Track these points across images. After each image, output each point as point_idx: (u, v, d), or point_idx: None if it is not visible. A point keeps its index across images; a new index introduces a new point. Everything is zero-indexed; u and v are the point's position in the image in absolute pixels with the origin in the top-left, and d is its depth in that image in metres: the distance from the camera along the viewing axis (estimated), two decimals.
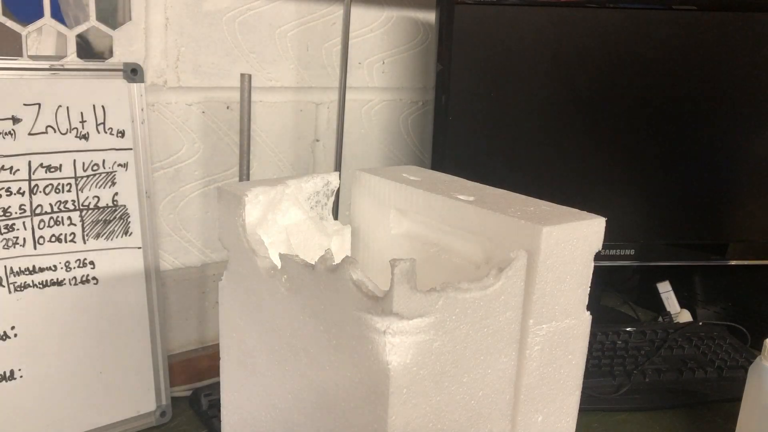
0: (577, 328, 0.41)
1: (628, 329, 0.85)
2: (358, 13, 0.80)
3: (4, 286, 0.60)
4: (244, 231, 0.40)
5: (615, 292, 1.02)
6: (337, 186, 0.48)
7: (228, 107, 0.73)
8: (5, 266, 0.60)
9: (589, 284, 0.41)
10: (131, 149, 0.66)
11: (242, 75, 0.68)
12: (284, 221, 0.44)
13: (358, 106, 0.84)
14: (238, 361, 0.45)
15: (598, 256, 0.42)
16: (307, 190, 0.46)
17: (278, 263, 0.40)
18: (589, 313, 0.42)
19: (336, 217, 0.56)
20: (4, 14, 0.58)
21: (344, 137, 0.81)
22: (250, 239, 0.40)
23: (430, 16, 0.83)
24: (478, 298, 0.35)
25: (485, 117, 0.78)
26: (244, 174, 0.69)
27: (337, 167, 0.75)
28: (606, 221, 0.41)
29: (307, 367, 0.38)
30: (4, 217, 0.59)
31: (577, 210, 0.41)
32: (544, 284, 0.38)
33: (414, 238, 0.46)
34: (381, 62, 0.84)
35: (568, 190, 0.81)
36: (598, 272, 0.42)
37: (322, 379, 0.37)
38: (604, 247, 0.42)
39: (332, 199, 0.48)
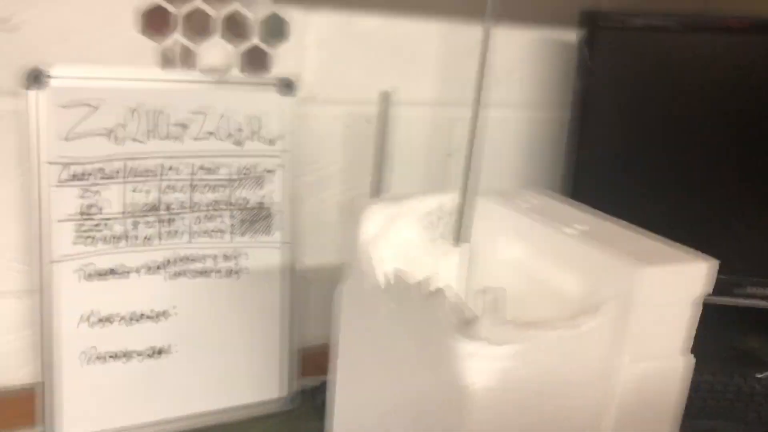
0: (676, 370, 0.41)
1: None
2: (500, 32, 0.82)
3: (164, 272, 0.68)
4: (359, 246, 0.44)
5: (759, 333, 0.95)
6: (452, 207, 0.51)
7: (368, 121, 0.78)
8: (166, 254, 0.68)
9: (695, 326, 0.41)
10: (280, 156, 0.72)
11: (382, 93, 0.72)
12: (400, 238, 0.47)
13: (494, 123, 0.86)
14: (348, 362, 0.49)
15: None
16: (423, 210, 0.49)
17: (388, 278, 0.43)
18: (692, 355, 0.42)
19: (459, 236, 0.58)
20: (184, 34, 0.67)
21: (479, 153, 0.83)
22: (364, 254, 0.44)
23: (573, 37, 0.83)
24: (566, 335, 0.36)
25: (622, 140, 0.77)
26: (377, 187, 0.73)
27: (465, 183, 0.78)
28: (720, 263, 0.40)
29: (403, 378, 0.41)
30: (168, 212, 0.68)
31: (690, 250, 0.41)
32: (640, 324, 0.38)
33: (521, 265, 0.47)
34: (520, 80, 0.85)
35: (709, 223, 0.78)
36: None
37: (414, 390, 0.40)
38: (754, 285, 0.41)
39: (446, 219, 0.51)
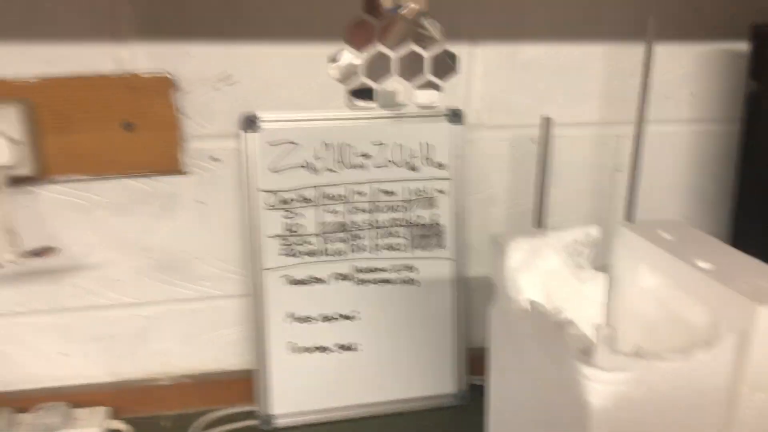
0: None
1: None
2: (666, 48, 0.83)
3: (352, 280, 0.80)
4: (505, 274, 0.51)
5: None
6: (597, 237, 0.56)
7: (533, 141, 0.83)
8: (353, 265, 0.80)
9: None
10: (449, 179, 0.80)
11: (543, 118, 0.78)
12: (544, 266, 0.54)
13: (663, 139, 0.87)
14: (498, 367, 0.57)
15: None
16: (567, 240, 0.54)
17: (527, 306, 0.50)
18: None
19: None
20: (367, 75, 0.77)
21: (646, 168, 0.85)
22: (509, 282, 0.51)
23: (743, 49, 0.81)
24: (678, 365, 0.41)
25: None
26: (539, 206, 0.79)
27: (630, 198, 0.81)
28: None
29: (538, 389, 0.47)
30: (354, 229, 0.79)
31: None
32: (760, 358, 0.42)
33: (657, 294, 0.51)
34: (689, 94, 0.85)
35: None
36: None
37: (548, 403, 0.46)
38: None
39: (591, 249, 0.56)
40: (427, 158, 0.80)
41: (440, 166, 0.80)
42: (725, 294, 0.43)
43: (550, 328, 0.45)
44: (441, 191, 0.81)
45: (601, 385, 0.40)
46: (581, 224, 0.68)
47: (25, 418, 0.75)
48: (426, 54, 0.78)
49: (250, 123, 0.75)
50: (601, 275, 0.56)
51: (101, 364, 0.81)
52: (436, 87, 0.79)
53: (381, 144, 0.78)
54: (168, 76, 0.72)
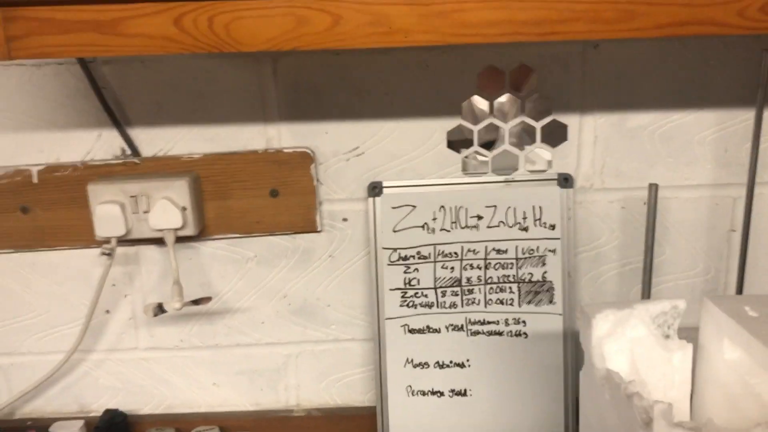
0: None
1: None
2: None
3: (464, 331, 0.87)
4: (590, 343, 0.57)
5: None
6: (683, 309, 0.60)
7: (644, 203, 0.87)
8: (466, 317, 0.87)
9: None
10: (559, 239, 0.86)
11: (650, 185, 0.82)
12: (631, 334, 0.58)
13: None
14: (586, 426, 0.62)
15: None
16: (654, 311, 0.59)
17: (606, 375, 0.55)
18: None
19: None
20: (479, 144, 0.85)
21: (760, 229, 0.86)
22: (595, 350, 0.56)
23: None
24: None
25: None
26: (648, 267, 0.82)
27: (742, 258, 0.82)
28: None
29: None
30: (468, 284, 0.87)
31: None
32: None
33: (743, 366, 0.54)
34: None
35: None
36: None
37: None
38: None
39: (678, 319, 0.59)
40: (537, 219, 0.86)
41: (551, 227, 0.86)
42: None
43: (623, 398, 0.50)
44: (551, 250, 0.86)
45: None
46: (693, 282, 0.71)
47: None
48: (537, 125, 0.84)
49: (374, 189, 0.84)
50: (688, 345, 0.59)
51: (246, 394, 0.93)
52: (546, 155, 0.85)
53: (494, 206, 0.85)
54: (307, 151, 0.83)
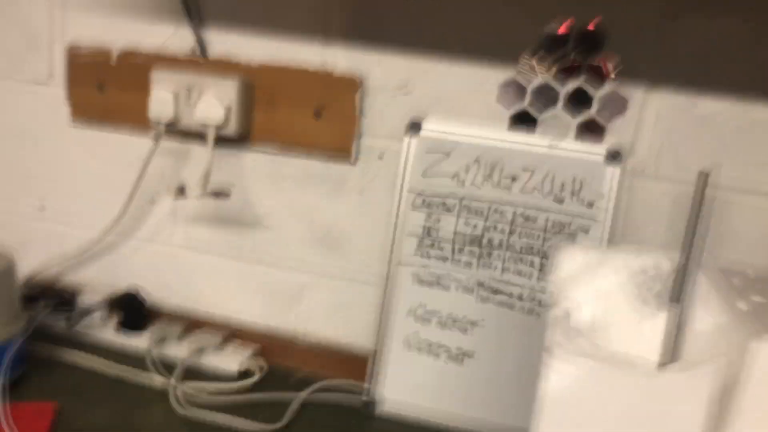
0: None
1: None
2: None
3: (474, 294, 0.83)
4: (554, 283, 0.52)
5: None
6: (670, 269, 0.53)
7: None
8: (479, 281, 0.83)
9: None
10: (595, 219, 0.80)
11: (700, 174, 0.73)
12: (601, 285, 0.52)
13: None
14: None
15: None
16: (633, 266, 0.52)
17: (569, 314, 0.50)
18: None
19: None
20: (531, 104, 0.81)
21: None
22: (557, 293, 0.51)
23: None
24: (639, 379, 0.38)
25: None
26: (681, 275, 0.74)
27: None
28: None
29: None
30: (488, 246, 0.83)
31: None
32: (752, 402, 0.37)
33: (712, 336, 0.47)
34: None
35: None
36: None
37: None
38: None
39: (661, 283, 0.53)
40: (576, 194, 0.80)
41: (589, 204, 0.80)
42: (736, 330, 0.39)
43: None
44: (584, 230, 0.80)
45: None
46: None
47: (190, 335, 0.92)
48: (595, 92, 0.79)
49: (413, 129, 0.83)
50: (662, 315, 0.52)
51: (260, 311, 0.95)
52: (597, 127, 0.80)
53: (531, 171, 0.81)
54: (356, 77, 0.84)
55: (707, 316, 0.48)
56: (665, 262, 0.52)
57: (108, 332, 0.92)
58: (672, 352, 0.51)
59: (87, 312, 0.91)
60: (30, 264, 1.00)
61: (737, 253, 0.79)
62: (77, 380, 0.82)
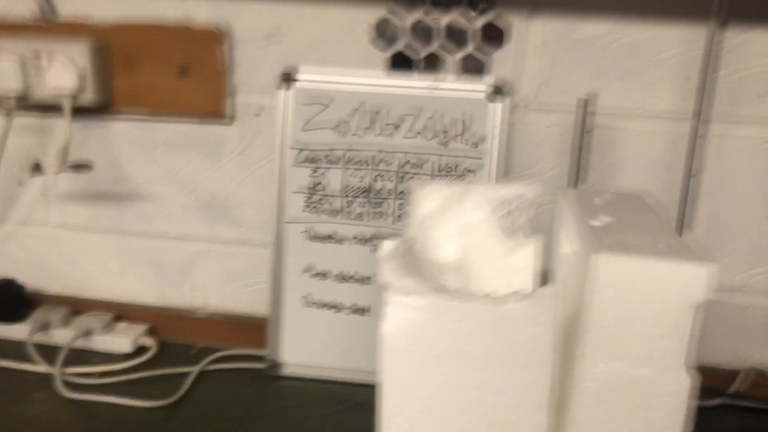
0: (660, 383, 0.36)
1: None
2: (763, 37, 0.72)
3: (369, 245, 0.80)
4: (411, 224, 0.49)
5: None
6: (533, 200, 0.51)
7: (588, 132, 0.77)
8: (373, 231, 0.80)
9: (687, 337, 0.35)
10: (482, 158, 0.77)
11: (579, 101, 0.72)
12: (466, 220, 0.50)
13: (754, 145, 0.75)
14: None
15: None
16: (495, 197, 0.50)
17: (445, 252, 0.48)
18: (689, 374, 0.36)
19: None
20: (406, 43, 0.77)
21: (733, 175, 0.75)
22: (415, 234, 0.49)
23: None
24: (482, 309, 0.36)
25: None
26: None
27: (683, 204, 0.71)
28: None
29: None
30: (377, 196, 0.79)
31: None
32: (598, 318, 0.35)
33: (569, 259, 0.46)
34: None
35: None
36: None
37: None
38: None
39: (526, 212, 0.51)
40: (460, 135, 0.77)
41: (475, 145, 0.77)
42: (584, 246, 0.38)
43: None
44: (472, 171, 0.78)
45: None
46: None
47: (76, 319, 0.86)
48: (471, 24, 0.76)
49: (286, 80, 0.78)
50: (530, 243, 0.50)
51: (151, 288, 0.90)
52: (477, 62, 0.77)
53: (414, 115, 0.78)
54: (219, 28, 0.78)
55: (569, 239, 0.46)
56: (529, 192, 0.50)
57: None
58: (541, 281, 0.50)
59: None
60: None
61: (627, 179, 0.78)
62: None
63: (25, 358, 0.80)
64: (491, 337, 0.38)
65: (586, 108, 0.70)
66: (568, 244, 0.47)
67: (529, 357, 0.38)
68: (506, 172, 0.79)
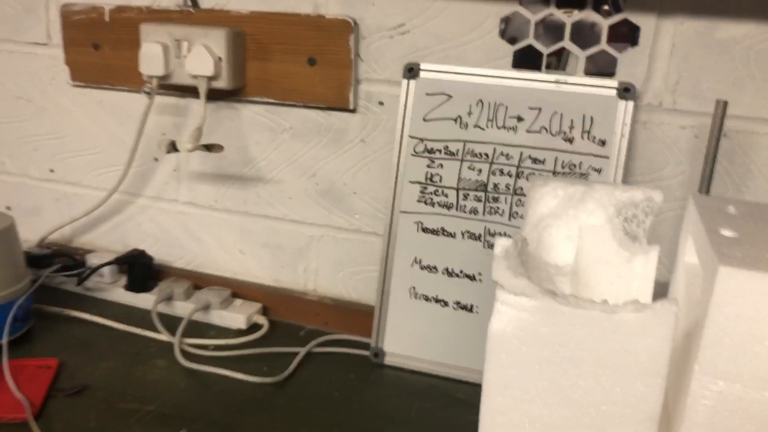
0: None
1: None
2: None
3: (481, 241, 0.79)
4: (529, 222, 0.48)
5: None
6: (659, 205, 0.48)
7: (725, 135, 0.72)
8: (486, 227, 0.79)
9: None
10: (608, 158, 0.74)
11: (717, 102, 0.67)
12: (586, 221, 0.48)
13: None
14: None
15: None
16: (621, 199, 0.48)
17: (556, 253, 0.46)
18: None
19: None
20: (535, 37, 0.75)
21: None
22: (531, 234, 0.47)
23: None
24: (596, 315, 0.34)
25: None
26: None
27: None
28: None
29: None
30: (494, 191, 0.78)
31: None
32: (719, 334, 0.33)
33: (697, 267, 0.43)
34: None
35: None
36: None
37: None
38: None
39: (650, 217, 0.48)
40: (586, 132, 0.75)
41: (601, 142, 0.74)
42: (710, 257, 0.35)
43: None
44: (596, 169, 0.75)
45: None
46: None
47: (197, 293, 0.91)
48: (604, 22, 0.73)
49: (411, 71, 0.79)
50: (652, 251, 0.47)
51: (268, 268, 0.93)
52: (608, 59, 0.74)
53: (538, 109, 0.76)
54: (348, 19, 0.80)
55: (695, 248, 0.43)
56: (656, 196, 0.47)
57: (115, 291, 0.92)
58: (661, 290, 0.47)
59: (95, 272, 0.91)
60: (43, 226, 1.00)
61: (762, 188, 0.72)
62: (83, 337, 0.83)
63: (150, 326, 0.85)
64: (604, 344, 0.36)
65: (724, 110, 0.66)
66: (693, 254, 0.44)
67: (642, 368, 0.36)
68: (634, 174, 0.75)
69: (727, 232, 0.38)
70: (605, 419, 0.38)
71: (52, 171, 1.00)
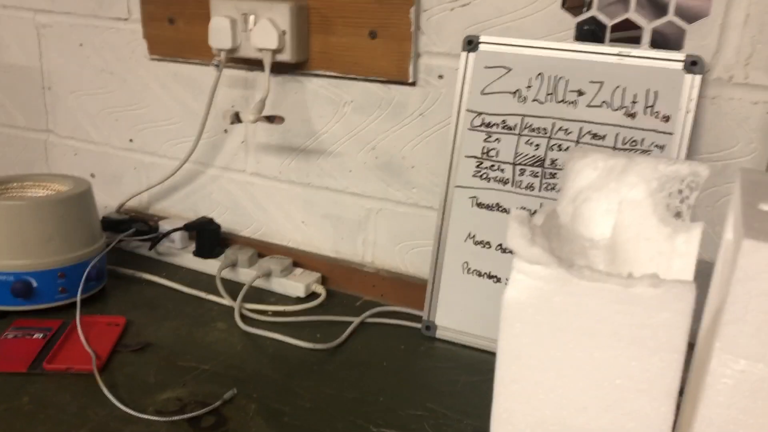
0: None
1: None
2: None
3: None
4: (565, 195, 0.46)
5: None
6: (704, 180, 0.45)
7: None
8: (542, 204, 0.78)
9: None
10: (671, 134, 0.71)
11: None
12: (626, 194, 0.46)
13: None
14: None
15: None
16: (665, 173, 0.46)
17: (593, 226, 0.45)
18: None
19: None
20: (599, 9, 0.73)
21: None
22: (567, 207, 0.46)
23: None
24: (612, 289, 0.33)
25: None
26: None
27: None
28: None
29: None
30: (551, 166, 0.77)
31: None
32: (742, 311, 0.31)
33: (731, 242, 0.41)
34: None
35: None
36: None
37: None
38: None
39: (695, 193, 0.46)
40: (650, 107, 0.72)
41: (665, 118, 0.71)
42: (738, 231, 0.33)
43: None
44: (659, 146, 0.72)
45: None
46: None
47: (259, 261, 0.94)
48: None
49: (470, 44, 0.78)
50: (698, 227, 0.45)
51: (329, 239, 0.95)
52: (676, 31, 0.70)
53: (600, 83, 0.74)
54: None
55: (733, 223, 0.41)
56: (702, 171, 0.45)
57: (185, 256, 0.96)
58: (704, 267, 0.45)
59: (166, 237, 0.95)
60: (123, 193, 1.06)
61: None
62: (151, 299, 0.87)
63: (214, 290, 0.89)
64: (620, 316, 0.35)
65: None
66: (731, 230, 0.42)
67: (659, 342, 0.35)
68: (699, 152, 0.72)
69: (765, 207, 0.36)
70: (620, 393, 0.37)
71: (131, 141, 1.06)
